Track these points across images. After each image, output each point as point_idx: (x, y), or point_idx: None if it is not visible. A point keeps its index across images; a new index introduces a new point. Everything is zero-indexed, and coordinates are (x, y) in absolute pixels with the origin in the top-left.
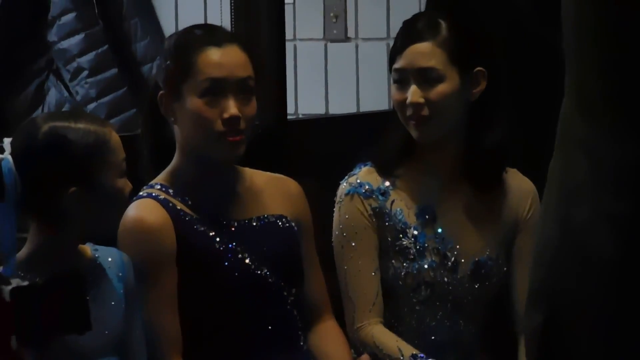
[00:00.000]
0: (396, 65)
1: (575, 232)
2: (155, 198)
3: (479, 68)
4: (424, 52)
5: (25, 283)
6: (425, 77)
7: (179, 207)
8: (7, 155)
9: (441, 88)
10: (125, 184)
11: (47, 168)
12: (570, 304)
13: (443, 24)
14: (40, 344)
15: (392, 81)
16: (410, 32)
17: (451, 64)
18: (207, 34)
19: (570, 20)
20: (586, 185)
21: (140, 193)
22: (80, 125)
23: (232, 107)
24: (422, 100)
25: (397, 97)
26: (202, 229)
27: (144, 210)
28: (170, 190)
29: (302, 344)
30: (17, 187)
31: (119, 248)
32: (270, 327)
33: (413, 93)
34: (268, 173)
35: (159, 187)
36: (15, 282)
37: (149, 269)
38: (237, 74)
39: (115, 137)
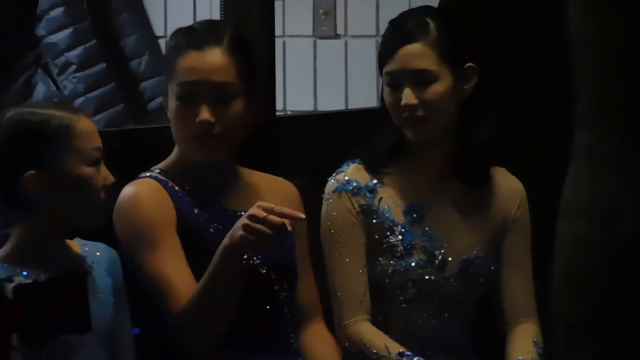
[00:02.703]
0: (388, 68)
1: (623, 258)
2: (154, 178)
3: (469, 64)
4: (417, 54)
5: (29, 281)
6: (419, 79)
7: (177, 189)
8: None
9: (435, 88)
10: (95, 174)
11: (4, 151)
12: (625, 335)
13: (432, 23)
14: (39, 343)
15: (384, 84)
16: (399, 33)
17: (443, 63)
18: (191, 36)
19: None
20: (629, 207)
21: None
22: (45, 111)
23: (203, 113)
24: (416, 101)
25: (391, 99)
26: (197, 212)
27: (141, 185)
28: (169, 175)
29: (292, 342)
30: None
31: (115, 225)
32: (259, 320)
33: (407, 95)
34: (266, 174)
35: (157, 171)
36: (18, 280)
37: (152, 234)
38: (213, 79)
39: (85, 125)
